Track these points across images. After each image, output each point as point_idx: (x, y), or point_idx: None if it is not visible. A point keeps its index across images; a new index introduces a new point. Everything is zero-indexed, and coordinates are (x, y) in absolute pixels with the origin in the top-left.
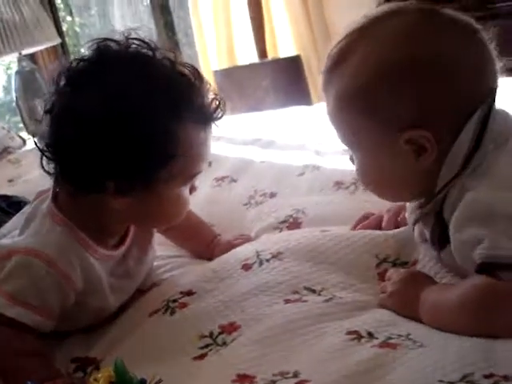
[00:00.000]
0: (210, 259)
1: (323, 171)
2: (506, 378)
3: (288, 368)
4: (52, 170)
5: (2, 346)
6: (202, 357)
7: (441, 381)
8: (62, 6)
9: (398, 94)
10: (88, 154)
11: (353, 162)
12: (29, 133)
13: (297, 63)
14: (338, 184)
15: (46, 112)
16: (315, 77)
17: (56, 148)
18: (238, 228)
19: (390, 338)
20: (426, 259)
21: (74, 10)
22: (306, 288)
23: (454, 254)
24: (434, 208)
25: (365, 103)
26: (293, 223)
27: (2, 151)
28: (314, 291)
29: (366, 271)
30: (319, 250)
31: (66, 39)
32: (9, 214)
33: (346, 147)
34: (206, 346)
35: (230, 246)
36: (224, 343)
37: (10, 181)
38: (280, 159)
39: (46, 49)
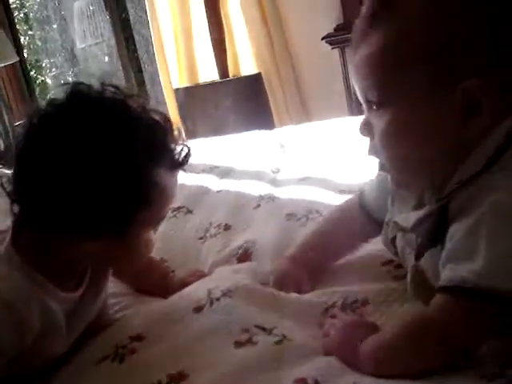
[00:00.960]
0: (163, 296)
1: (278, 202)
2: None
3: None
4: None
5: None
6: None
7: None
8: (21, 20)
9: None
10: (68, 200)
11: (367, 132)
12: None
13: (258, 81)
14: (290, 215)
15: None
16: (276, 94)
17: (21, 189)
18: (193, 262)
19: None
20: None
21: (34, 24)
22: (256, 326)
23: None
24: (440, 207)
25: (426, 46)
26: (243, 254)
27: None
28: (264, 329)
29: (315, 317)
30: (267, 296)
31: (26, 55)
32: None
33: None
34: None
35: (184, 284)
36: None
37: None
38: (237, 188)
39: (5, 67)
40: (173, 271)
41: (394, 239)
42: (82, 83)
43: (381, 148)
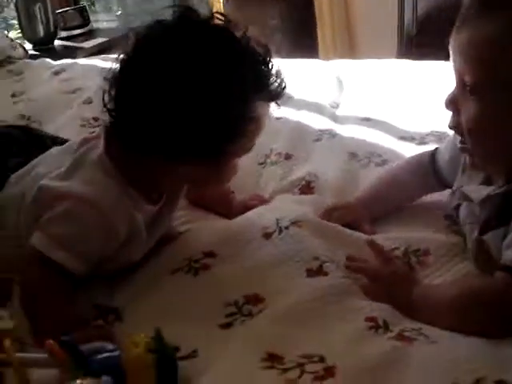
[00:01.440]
0: (224, 215)
1: (339, 140)
2: None
3: (313, 351)
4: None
5: (38, 284)
6: (228, 326)
7: (455, 383)
8: None
9: None
10: (163, 125)
11: (452, 107)
12: (25, 38)
13: (308, 3)
14: (353, 155)
15: (121, 70)
16: (325, 20)
17: (124, 104)
18: (253, 186)
19: (404, 331)
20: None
21: None
22: (325, 255)
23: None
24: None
25: None
26: (305, 186)
27: (3, 60)
28: (333, 261)
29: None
30: (334, 231)
31: None
32: (30, 151)
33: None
34: (231, 314)
35: (246, 207)
36: (250, 314)
37: (13, 96)
38: (297, 117)
39: None
40: (232, 192)
41: (458, 206)
42: (190, 8)
43: (466, 130)
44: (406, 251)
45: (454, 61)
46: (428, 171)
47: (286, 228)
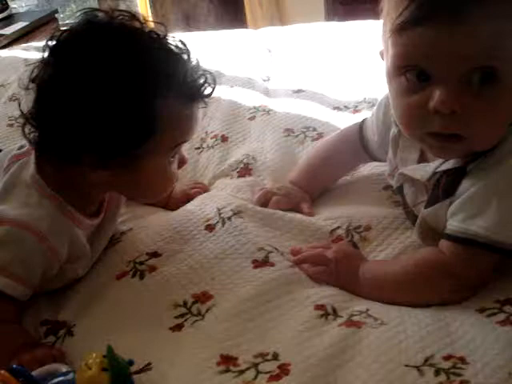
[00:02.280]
0: (163, 207)
1: (273, 116)
2: (462, 359)
3: (266, 348)
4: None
5: None
6: (179, 327)
7: (407, 365)
8: None
9: None
10: (66, 126)
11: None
12: None
13: None
14: (288, 131)
15: (31, 80)
16: None
17: (38, 117)
18: (192, 172)
19: (353, 316)
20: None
21: None
22: (270, 245)
23: (450, 209)
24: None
25: None
26: (243, 169)
27: None
28: (277, 250)
29: (320, 239)
30: (274, 217)
31: None
32: None
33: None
34: (182, 315)
35: (186, 195)
36: (199, 313)
37: None
38: (229, 96)
39: None
40: None
41: (400, 188)
42: (96, 9)
43: (478, 124)
44: (348, 229)
45: (458, 53)
46: (357, 147)
47: (229, 219)
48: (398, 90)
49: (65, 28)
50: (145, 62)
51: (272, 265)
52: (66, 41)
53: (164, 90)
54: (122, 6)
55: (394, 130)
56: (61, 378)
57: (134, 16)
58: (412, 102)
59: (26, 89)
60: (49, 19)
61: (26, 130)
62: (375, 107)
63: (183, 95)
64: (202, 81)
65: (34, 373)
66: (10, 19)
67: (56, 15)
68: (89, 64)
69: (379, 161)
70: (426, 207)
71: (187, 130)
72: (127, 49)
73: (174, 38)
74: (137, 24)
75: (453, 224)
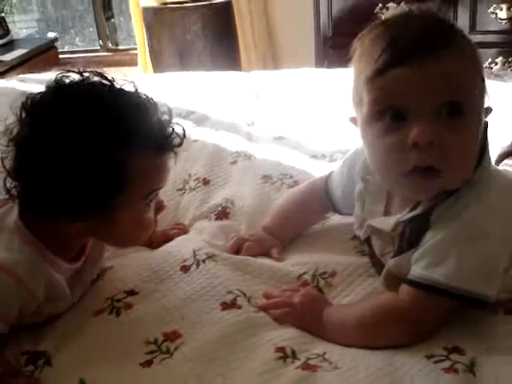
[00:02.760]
0: (147, 246)
1: (253, 162)
2: None
3: None
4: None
5: None
6: (148, 363)
7: None
8: None
9: None
10: (42, 182)
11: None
12: None
13: (228, 9)
14: (266, 178)
15: (10, 140)
16: (244, 24)
17: (17, 173)
18: (173, 213)
19: (310, 359)
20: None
21: None
22: (239, 290)
23: (414, 256)
24: (426, 212)
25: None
26: (221, 212)
27: None
28: (245, 294)
29: (288, 283)
30: (245, 263)
31: None
32: None
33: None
34: (152, 352)
35: (166, 236)
36: (168, 351)
37: None
38: (213, 139)
39: None
40: None
41: (367, 239)
42: (68, 71)
43: (451, 155)
44: (314, 275)
45: (433, 87)
46: (323, 199)
47: (203, 261)
48: (375, 134)
49: (39, 91)
50: (110, 119)
51: (239, 307)
52: (40, 103)
53: (131, 144)
54: (121, 38)
55: (360, 186)
56: None
57: (102, 75)
58: (389, 142)
59: (7, 146)
60: (48, 47)
61: (8, 184)
62: (341, 163)
63: (151, 147)
64: (169, 132)
65: None
66: (10, 45)
67: (55, 43)
68: (60, 125)
69: (340, 213)
70: (392, 257)
71: (158, 179)
72: (93, 108)
73: (143, 93)
74: (105, 82)
75: (415, 270)
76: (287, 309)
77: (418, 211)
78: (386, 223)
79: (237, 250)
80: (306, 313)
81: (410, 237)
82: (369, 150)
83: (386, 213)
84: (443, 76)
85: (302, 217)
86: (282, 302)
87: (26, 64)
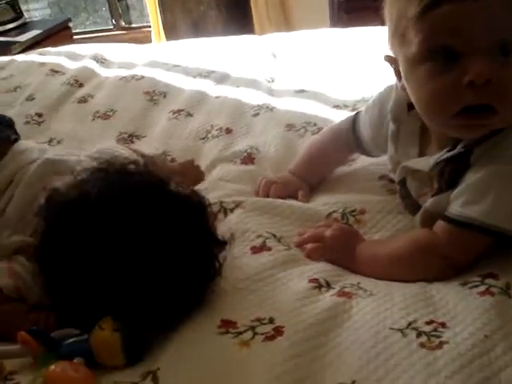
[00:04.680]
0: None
1: (276, 113)
2: (443, 324)
3: (263, 315)
4: None
5: None
6: None
7: (391, 328)
8: None
9: None
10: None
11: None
12: None
13: None
14: (290, 126)
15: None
16: None
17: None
18: (195, 159)
19: (345, 287)
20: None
21: None
22: (268, 232)
23: (453, 193)
24: (465, 151)
25: None
26: (247, 157)
27: None
28: (275, 236)
29: (317, 222)
30: (273, 205)
31: None
32: None
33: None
34: None
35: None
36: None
37: None
38: (235, 95)
39: None
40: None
41: (402, 181)
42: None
43: (506, 93)
44: (344, 213)
45: (491, 24)
46: (350, 141)
47: (231, 210)
48: (424, 76)
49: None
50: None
51: (269, 249)
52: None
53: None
54: (134, 17)
55: (392, 127)
56: (76, 339)
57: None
58: (441, 82)
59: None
60: (62, 27)
61: None
62: (369, 104)
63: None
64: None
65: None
66: (24, 27)
67: (69, 24)
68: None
69: (368, 154)
70: (431, 197)
71: None
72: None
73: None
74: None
75: (453, 208)
76: (319, 243)
77: (457, 151)
78: (424, 163)
79: (265, 192)
80: (338, 246)
81: (449, 176)
82: (415, 91)
83: (421, 154)
84: (505, 11)
85: (328, 159)
86: (313, 236)
87: (40, 45)
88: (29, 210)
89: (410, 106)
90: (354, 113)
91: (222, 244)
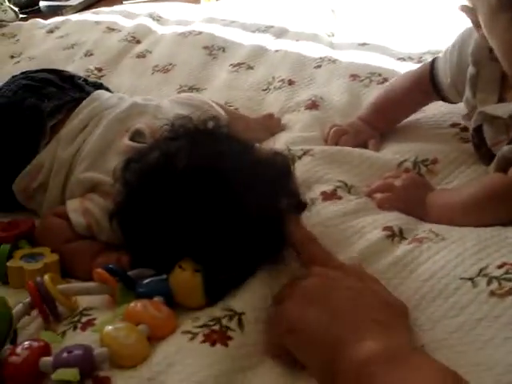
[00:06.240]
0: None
1: (339, 65)
2: None
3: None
4: None
5: (57, 234)
6: None
7: (462, 278)
8: None
9: None
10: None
11: None
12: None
13: None
14: (354, 77)
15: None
16: None
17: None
18: (258, 111)
19: (417, 234)
20: None
21: None
22: (338, 181)
23: None
24: None
25: None
26: (311, 104)
27: None
28: (346, 185)
29: (388, 171)
30: (343, 153)
31: None
32: (64, 89)
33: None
34: None
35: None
36: None
37: (12, 57)
38: (295, 48)
39: None
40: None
41: (478, 128)
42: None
43: None
44: (415, 162)
45: None
46: (427, 87)
47: (299, 158)
48: (505, 26)
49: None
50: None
51: (340, 198)
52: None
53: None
54: None
55: (472, 71)
56: (154, 278)
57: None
58: None
59: None
60: None
61: None
62: (448, 49)
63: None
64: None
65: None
66: None
67: None
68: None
69: (448, 101)
70: (507, 144)
71: None
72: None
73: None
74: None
75: None
76: (389, 193)
77: None
78: (503, 110)
79: (335, 139)
80: (409, 196)
81: None
82: (497, 39)
83: (500, 101)
84: None
85: (401, 107)
86: (384, 185)
87: (91, 8)
88: (107, 151)
89: (492, 50)
90: (430, 61)
91: (304, 205)
